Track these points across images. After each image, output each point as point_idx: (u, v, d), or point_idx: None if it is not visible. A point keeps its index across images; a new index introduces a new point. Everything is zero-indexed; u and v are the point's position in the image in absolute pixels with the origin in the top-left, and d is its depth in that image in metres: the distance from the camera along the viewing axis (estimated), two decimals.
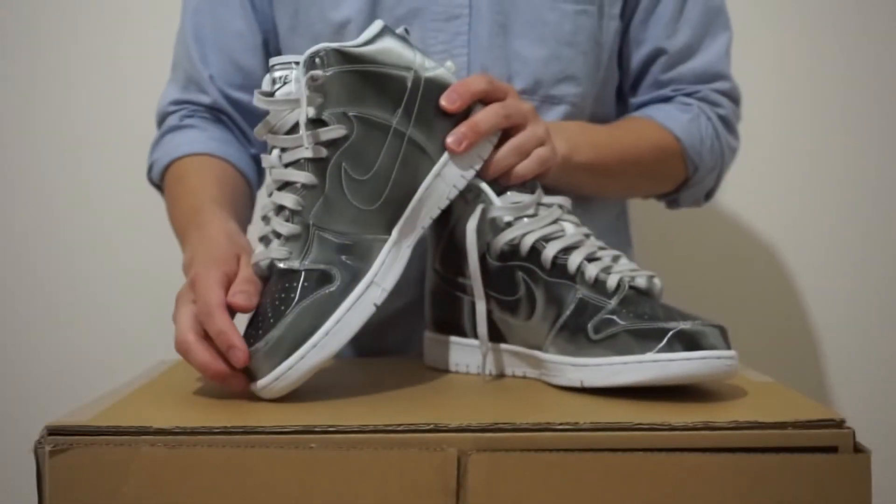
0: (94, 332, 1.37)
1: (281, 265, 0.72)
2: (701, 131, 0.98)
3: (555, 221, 0.78)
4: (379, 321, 0.95)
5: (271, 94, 0.74)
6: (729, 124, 1.02)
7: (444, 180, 0.76)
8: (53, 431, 0.62)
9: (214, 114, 1.00)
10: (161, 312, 1.36)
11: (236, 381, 0.71)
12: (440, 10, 0.92)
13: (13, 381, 1.37)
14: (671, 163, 0.97)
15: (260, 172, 1.01)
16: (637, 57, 1.00)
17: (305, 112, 0.71)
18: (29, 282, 1.38)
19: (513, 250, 0.77)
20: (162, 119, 1.01)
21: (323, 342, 0.69)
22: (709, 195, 1.05)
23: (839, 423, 0.63)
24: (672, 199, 1.03)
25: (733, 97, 1.03)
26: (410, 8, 0.92)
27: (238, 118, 0.99)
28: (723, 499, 0.62)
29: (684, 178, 0.99)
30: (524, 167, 0.80)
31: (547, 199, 0.80)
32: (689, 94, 1.00)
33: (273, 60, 0.74)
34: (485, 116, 0.78)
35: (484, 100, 0.80)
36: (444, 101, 0.77)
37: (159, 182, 0.99)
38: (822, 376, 1.37)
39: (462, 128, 0.77)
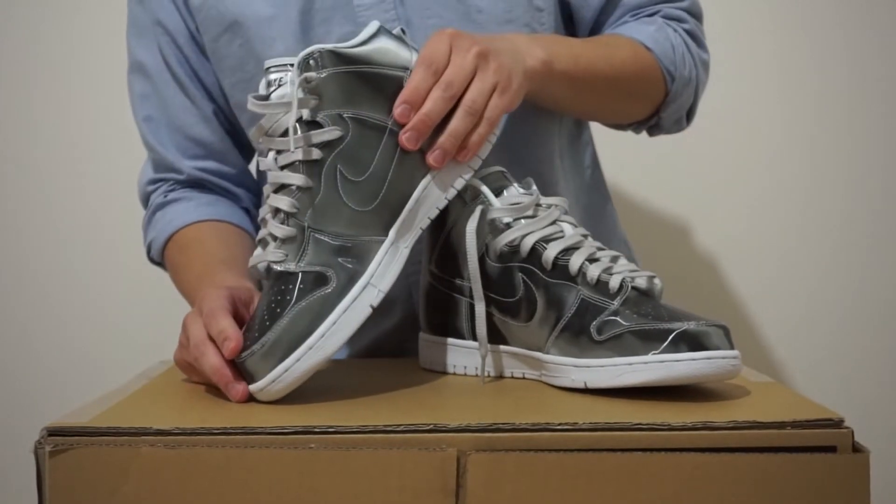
0: (94, 332, 1.37)
1: (277, 268, 0.72)
2: (670, 40, 0.96)
3: (553, 222, 0.78)
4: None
5: (266, 98, 0.74)
6: (696, 38, 0.99)
7: (441, 182, 0.76)
8: (53, 432, 0.62)
9: (194, 183, 1.01)
10: (161, 312, 1.37)
11: (238, 390, 0.71)
12: None
13: (13, 381, 1.37)
14: (649, 75, 0.95)
15: (256, 225, 1.01)
16: (586, 5, 0.98)
17: (295, 115, 0.71)
18: (29, 282, 1.38)
19: (512, 251, 0.77)
20: (146, 199, 1.03)
21: (319, 344, 0.69)
22: (689, 115, 1.02)
23: (838, 423, 0.63)
24: (654, 123, 1.00)
25: (694, 13, 1.00)
26: (340, 34, 0.90)
27: (217, 182, 1.01)
28: (722, 499, 0.62)
29: (663, 95, 0.96)
30: (476, 135, 0.76)
31: (545, 200, 0.79)
32: (649, 16, 0.98)
33: (268, 63, 0.74)
34: (432, 105, 0.74)
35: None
36: (397, 115, 0.74)
37: (160, 260, 1.00)
38: (822, 376, 1.37)
39: (413, 122, 0.74)
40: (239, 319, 0.75)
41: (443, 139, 0.75)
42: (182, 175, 1.00)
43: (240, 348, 0.70)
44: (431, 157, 0.75)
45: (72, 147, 1.36)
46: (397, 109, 0.74)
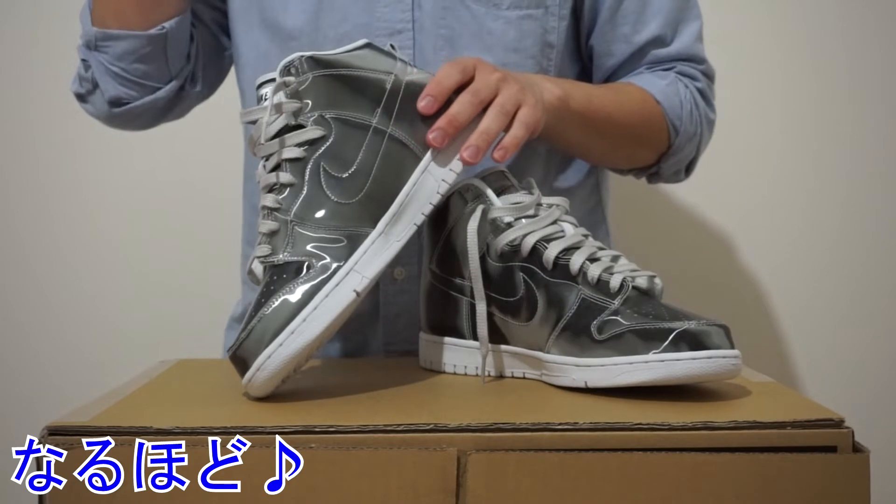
0: (94, 332, 1.37)
1: (263, 262, 0.73)
2: (679, 95, 0.98)
3: (554, 222, 0.78)
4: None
5: None
6: (706, 97, 1.02)
7: (431, 175, 0.77)
8: (54, 431, 0.62)
9: None
10: (161, 312, 1.37)
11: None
12: (383, 26, 0.93)
13: (13, 381, 1.37)
14: (655, 125, 0.97)
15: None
16: (609, 55, 1.00)
17: (276, 119, 0.73)
18: (29, 282, 1.38)
19: (513, 251, 0.77)
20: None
21: (300, 328, 0.69)
22: (689, 168, 1.04)
23: (838, 423, 0.63)
24: (653, 171, 1.02)
25: (708, 73, 1.03)
26: (355, 24, 0.93)
27: None
28: (722, 499, 0.62)
29: (666, 146, 0.99)
30: (512, 137, 0.79)
31: (546, 200, 0.80)
32: (665, 70, 1.00)
33: (259, 79, 0.76)
34: (460, 108, 0.77)
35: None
36: (421, 107, 0.77)
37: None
38: (822, 376, 1.37)
39: (441, 122, 0.77)
40: None
41: (475, 138, 0.77)
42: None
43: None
44: (466, 154, 0.77)
45: (71, 146, 1.36)
46: (422, 102, 0.77)
